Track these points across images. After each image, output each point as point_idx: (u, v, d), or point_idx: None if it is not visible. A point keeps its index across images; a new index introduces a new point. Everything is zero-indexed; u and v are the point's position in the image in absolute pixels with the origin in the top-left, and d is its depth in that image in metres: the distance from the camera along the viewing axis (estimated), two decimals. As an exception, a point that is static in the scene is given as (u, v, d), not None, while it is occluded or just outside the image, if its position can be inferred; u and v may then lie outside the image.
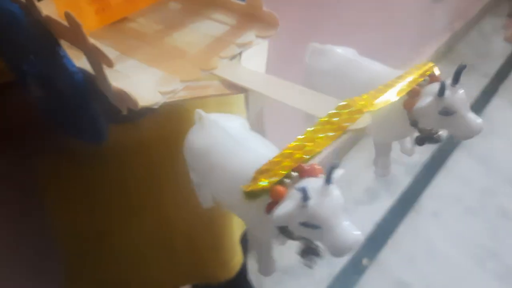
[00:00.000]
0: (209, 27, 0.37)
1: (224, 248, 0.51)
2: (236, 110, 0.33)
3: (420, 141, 0.32)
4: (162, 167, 0.42)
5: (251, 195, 0.24)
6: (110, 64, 0.27)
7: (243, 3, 0.38)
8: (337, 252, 0.23)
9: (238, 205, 0.27)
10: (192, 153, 0.30)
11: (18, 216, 0.57)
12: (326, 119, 0.27)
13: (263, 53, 0.36)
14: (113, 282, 0.50)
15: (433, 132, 0.31)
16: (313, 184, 0.24)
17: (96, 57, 0.27)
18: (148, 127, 0.37)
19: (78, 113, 0.31)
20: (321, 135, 0.26)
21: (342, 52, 0.35)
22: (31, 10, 0.29)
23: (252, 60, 0.35)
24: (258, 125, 0.34)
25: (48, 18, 0.28)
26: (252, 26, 0.37)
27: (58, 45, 0.29)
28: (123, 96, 0.29)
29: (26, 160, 0.43)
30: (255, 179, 0.24)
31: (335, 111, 0.28)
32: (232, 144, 0.28)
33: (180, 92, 0.31)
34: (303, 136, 0.26)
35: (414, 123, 0.31)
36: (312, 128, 0.27)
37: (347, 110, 0.28)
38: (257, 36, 0.36)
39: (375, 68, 0.34)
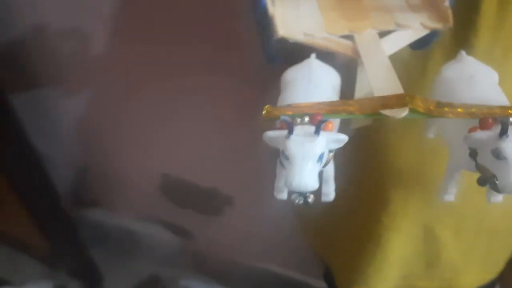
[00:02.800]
0: None
1: None
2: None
3: (481, 182, 0.30)
4: None
5: None
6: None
7: None
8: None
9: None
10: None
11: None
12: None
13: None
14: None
15: (493, 176, 0.29)
16: None
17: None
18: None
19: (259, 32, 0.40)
20: None
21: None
22: None
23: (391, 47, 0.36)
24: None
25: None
26: (422, 11, 0.38)
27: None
28: (271, 20, 0.37)
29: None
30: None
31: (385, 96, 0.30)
32: None
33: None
34: None
35: (472, 154, 0.30)
36: None
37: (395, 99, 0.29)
38: (421, 24, 0.38)
39: (489, 93, 0.32)
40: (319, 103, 0.31)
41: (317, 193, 0.31)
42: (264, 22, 0.38)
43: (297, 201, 0.30)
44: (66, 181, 1.18)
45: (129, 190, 1.12)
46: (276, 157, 0.31)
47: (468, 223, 0.52)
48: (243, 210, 0.98)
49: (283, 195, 0.34)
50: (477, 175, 0.30)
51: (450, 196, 0.35)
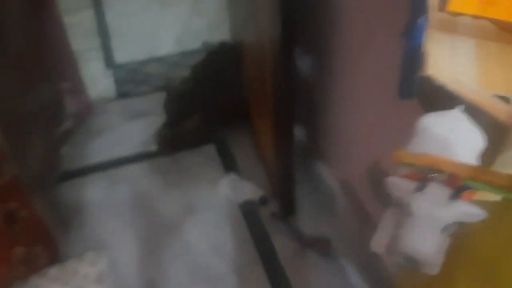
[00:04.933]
0: None
1: None
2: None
3: None
4: None
5: None
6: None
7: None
8: None
9: None
10: None
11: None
12: None
13: None
14: None
15: None
16: None
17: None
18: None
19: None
20: None
21: None
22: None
23: None
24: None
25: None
26: None
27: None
28: (423, 56, 0.38)
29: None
30: None
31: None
32: None
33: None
34: None
35: None
36: None
37: None
38: None
39: None
40: (463, 164, 0.25)
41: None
42: (413, 56, 0.35)
43: (402, 262, 0.24)
44: (309, 131, 1.40)
45: (346, 159, 1.23)
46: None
47: None
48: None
49: (382, 251, 0.26)
50: None
51: None
